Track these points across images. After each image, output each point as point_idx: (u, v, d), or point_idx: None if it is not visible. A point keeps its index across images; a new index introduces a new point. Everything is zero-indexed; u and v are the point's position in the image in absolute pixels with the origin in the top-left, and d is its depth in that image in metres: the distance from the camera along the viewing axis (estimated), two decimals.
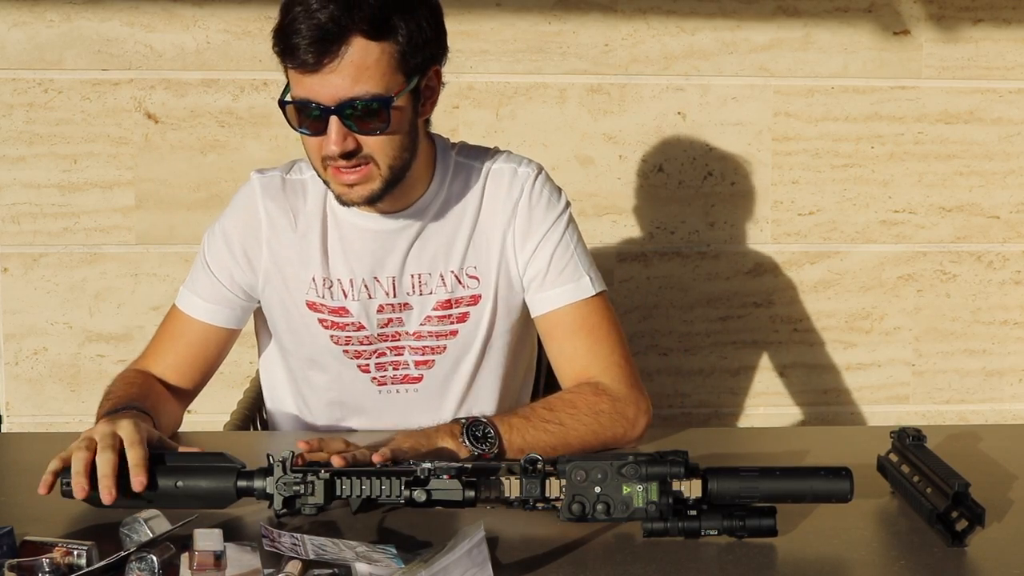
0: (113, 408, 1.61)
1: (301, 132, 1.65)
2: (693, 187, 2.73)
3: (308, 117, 1.62)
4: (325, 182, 1.70)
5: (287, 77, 1.66)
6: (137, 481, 1.37)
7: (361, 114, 1.61)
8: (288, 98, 1.65)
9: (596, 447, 1.64)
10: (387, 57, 1.61)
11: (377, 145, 1.64)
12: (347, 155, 1.62)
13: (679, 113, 2.70)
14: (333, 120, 1.60)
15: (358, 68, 1.59)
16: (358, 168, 1.64)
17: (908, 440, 1.51)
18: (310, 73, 1.59)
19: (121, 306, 2.65)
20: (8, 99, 2.58)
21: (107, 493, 1.36)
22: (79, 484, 1.37)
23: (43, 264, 2.63)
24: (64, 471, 1.40)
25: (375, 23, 1.59)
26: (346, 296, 1.78)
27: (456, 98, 2.62)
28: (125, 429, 1.43)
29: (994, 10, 2.73)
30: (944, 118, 2.76)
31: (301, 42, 1.57)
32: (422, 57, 1.65)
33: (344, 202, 1.70)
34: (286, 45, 1.60)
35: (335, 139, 1.61)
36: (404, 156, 1.68)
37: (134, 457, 1.39)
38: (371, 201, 1.69)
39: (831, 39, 2.71)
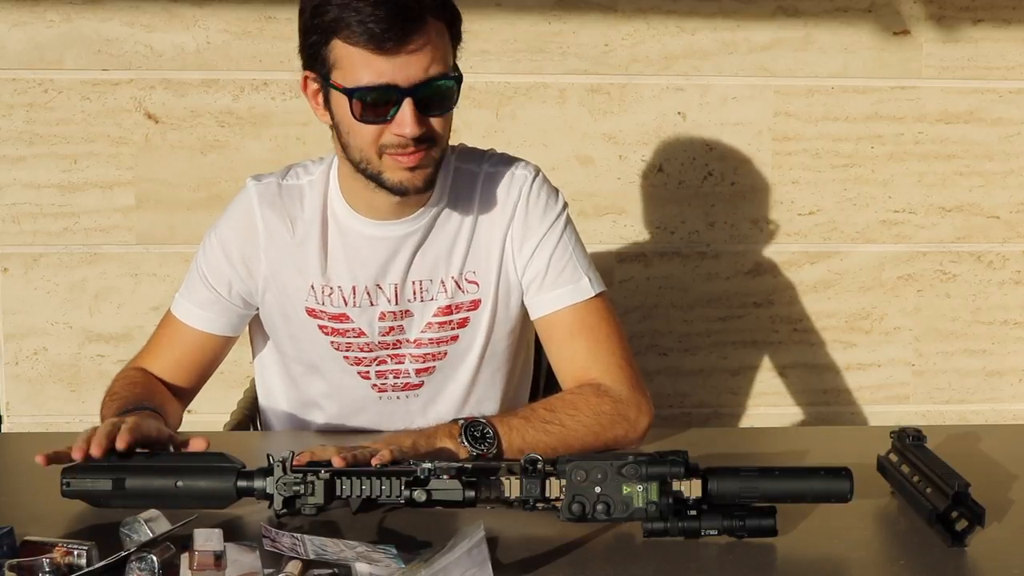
0: (122, 409, 1.62)
1: (361, 122, 1.58)
2: (693, 187, 2.73)
3: (376, 103, 1.57)
4: (373, 176, 1.64)
5: (321, 65, 1.58)
6: (122, 439, 1.40)
7: (433, 94, 1.58)
8: (349, 85, 1.57)
9: (597, 448, 1.63)
10: (448, 35, 1.60)
11: (439, 126, 1.61)
12: (418, 139, 1.58)
13: (679, 113, 2.70)
14: (407, 103, 1.56)
15: (435, 47, 1.56)
16: (419, 152, 1.61)
17: (908, 440, 1.51)
18: (387, 55, 1.54)
19: (121, 306, 2.65)
20: (8, 99, 2.57)
21: (96, 445, 1.40)
22: (77, 448, 1.40)
23: (43, 264, 2.63)
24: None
25: (442, 1, 1.58)
26: (347, 303, 1.76)
27: None
28: (129, 419, 1.47)
29: (994, 10, 2.73)
30: (944, 118, 2.76)
31: (376, 24, 1.52)
32: (458, 39, 1.64)
33: (402, 190, 1.64)
34: (357, 26, 1.53)
35: (413, 122, 1.56)
36: (448, 140, 1.67)
37: (127, 426, 1.43)
38: (428, 185, 1.66)
39: (831, 39, 2.71)
